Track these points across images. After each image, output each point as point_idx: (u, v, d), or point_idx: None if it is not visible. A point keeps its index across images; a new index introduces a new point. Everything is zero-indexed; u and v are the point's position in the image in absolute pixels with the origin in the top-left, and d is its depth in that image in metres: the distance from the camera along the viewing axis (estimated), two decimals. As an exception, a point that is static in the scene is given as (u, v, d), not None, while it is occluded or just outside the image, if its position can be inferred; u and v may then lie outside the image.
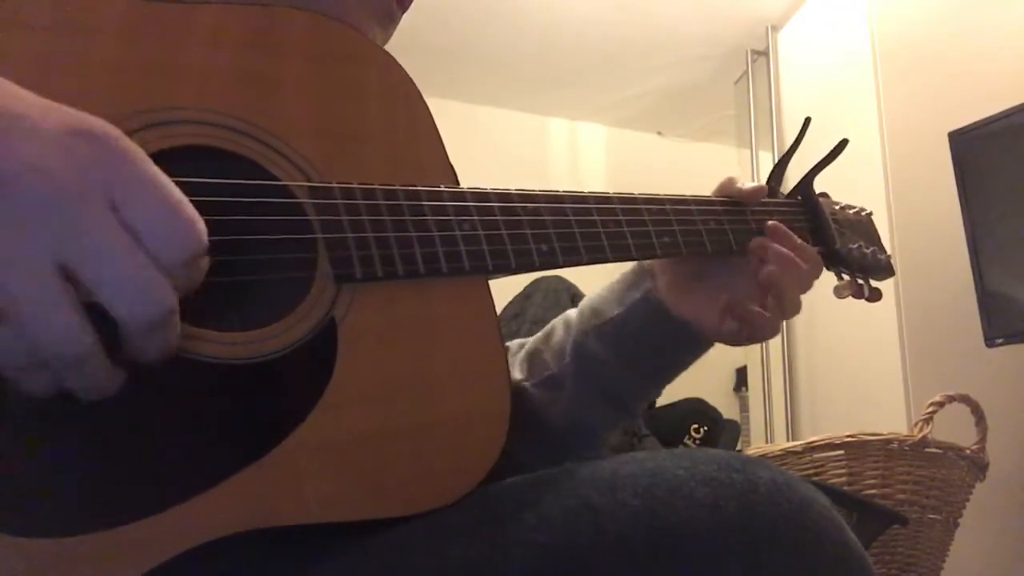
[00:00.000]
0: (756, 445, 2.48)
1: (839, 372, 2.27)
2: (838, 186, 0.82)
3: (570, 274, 1.87)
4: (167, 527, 0.40)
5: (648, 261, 0.70)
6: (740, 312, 0.66)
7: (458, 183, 0.56)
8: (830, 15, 2.46)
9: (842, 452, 1.32)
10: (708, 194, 0.71)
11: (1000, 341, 1.56)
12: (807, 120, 0.75)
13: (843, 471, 1.31)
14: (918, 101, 2.04)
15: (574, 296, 1.84)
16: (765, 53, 2.73)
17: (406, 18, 0.69)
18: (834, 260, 0.76)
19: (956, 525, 1.37)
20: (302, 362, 0.46)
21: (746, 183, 0.71)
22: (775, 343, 2.47)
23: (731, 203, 0.70)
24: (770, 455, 1.37)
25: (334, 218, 0.49)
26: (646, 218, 0.63)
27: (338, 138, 0.52)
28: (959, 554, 1.39)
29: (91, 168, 0.35)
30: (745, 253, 0.68)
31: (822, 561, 0.41)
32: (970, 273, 1.62)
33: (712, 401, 2.06)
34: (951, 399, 1.35)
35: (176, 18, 0.48)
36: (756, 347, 2.53)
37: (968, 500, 1.38)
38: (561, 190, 0.60)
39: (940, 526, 1.34)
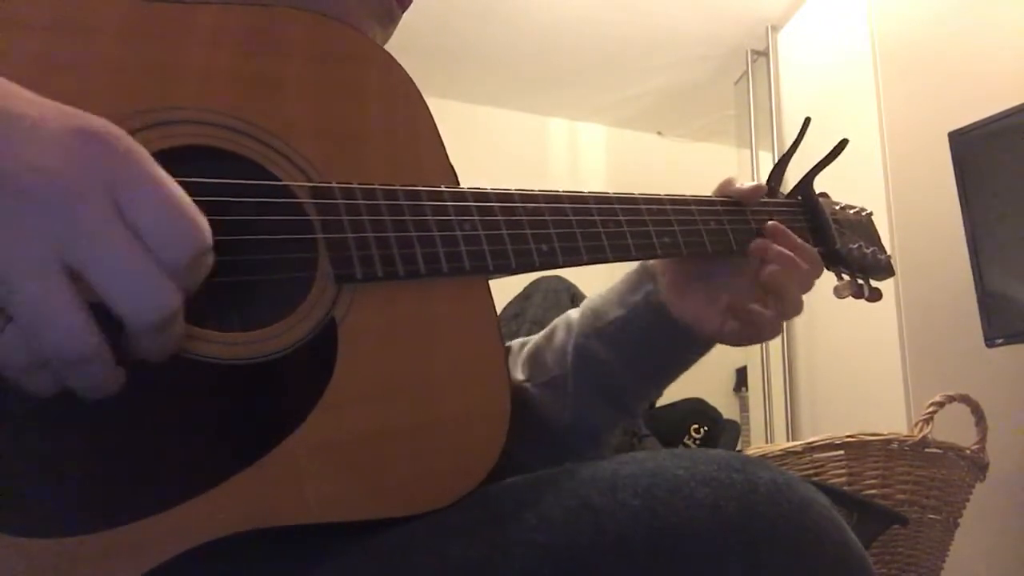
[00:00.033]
0: (756, 445, 2.48)
1: (839, 372, 2.27)
2: (838, 186, 0.82)
3: (570, 274, 1.87)
4: (167, 527, 0.40)
5: (649, 262, 0.70)
6: (742, 313, 0.66)
7: (458, 183, 0.56)
8: (830, 15, 2.46)
9: (842, 452, 1.32)
10: (708, 194, 0.71)
11: (1000, 341, 1.56)
12: (807, 120, 0.75)
13: (843, 471, 1.31)
14: (918, 101, 2.04)
15: (574, 296, 1.84)
16: (765, 53, 2.73)
17: (406, 18, 0.69)
18: (834, 260, 0.76)
19: (956, 525, 1.37)
20: (302, 362, 0.46)
21: (745, 183, 0.71)
22: (775, 343, 2.47)
23: (731, 203, 0.70)
24: (770, 455, 1.37)
25: (334, 218, 0.49)
26: (646, 218, 0.63)
27: (338, 138, 0.52)
28: (959, 554, 1.39)
29: (94, 168, 0.35)
30: (745, 253, 0.68)
31: (822, 561, 0.41)
32: (970, 273, 1.62)
33: (712, 401, 2.06)
34: (951, 399, 1.35)
35: (176, 18, 0.48)
36: (756, 347, 2.53)
37: (968, 500, 1.38)
38: (561, 190, 0.60)
39: (940, 526, 1.34)
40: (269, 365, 0.45)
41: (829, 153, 0.76)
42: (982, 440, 1.37)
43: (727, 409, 2.35)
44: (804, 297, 0.68)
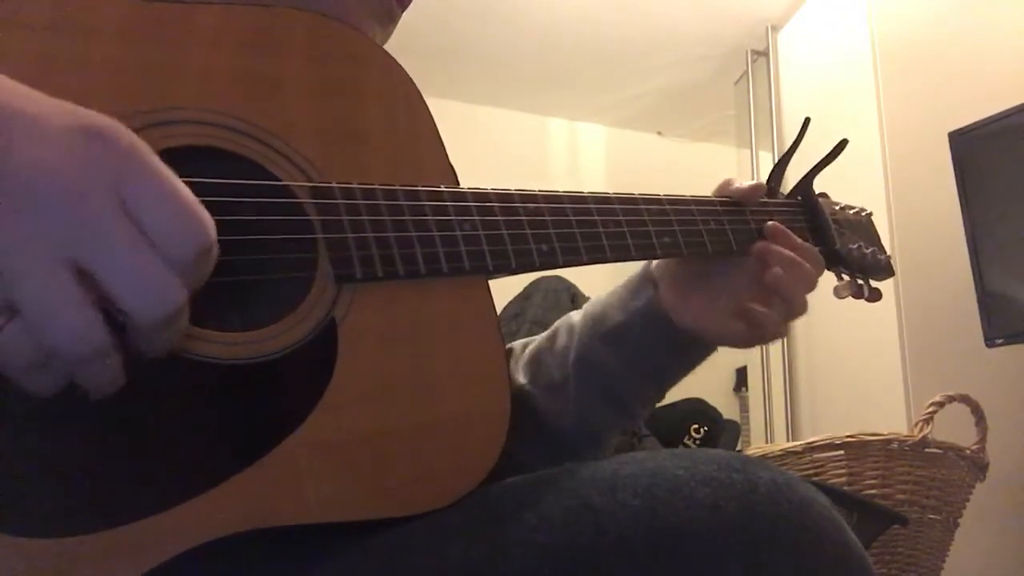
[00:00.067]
0: (756, 445, 2.48)
1: (839, 372, 2.27)
2: (838, 186, 0.82)
3: (570, 274, 1.87)
4: (167, 527, 0.40)
5: (650, 267, 0.70)
6: (751, 317, 0.66)
7: (458, 183, 0.56)
8: (830, 15, 2.46)
9: (842, 452, 1.32)
10: (708, 194, 0.71)
11: (1000, 341, 1.56)
12: (807, 120, 0.75)
13: (843, 471, 1.31)
14: (918, 101, 2.04)
15: (574, 296, 1.84)
16: (765, 53, 2.73)
17: (406, 18, 0.69)
18: (834, 260, 0.76)
19: (956, 525, 1.37)
20: (302, 362, 0.46)
21: (744, 182, 0.71)
22: (775, 343, 2.47)
23: (731, 203, 0.70)
24: (770, 455, 1.37)
25: (334, 218, 0.49)
26: (646, 218, 0.63)
27: (338, 138, 0.52)
28: (959, 554, 1.39)
29: (97, 165, 0.35)
30: (746, 253, 0.68)
31: (822, 561, 0.41)
32: (970, 273, 1.62)
33: (712, 401, 2.06)
34: (951, 399, 1.35)
35: (177, 18, 0.48)
36: (756, 347, 2.53)
37: (968, 500, 1.38)
38: (561, 190, 0.60)
39: (940, 526, 1.34)
40: (269, 365, 0.45)
41: (829, 153, 0.76)
42: (982, 440, 1.37)
43: (727, 409, 2.35)
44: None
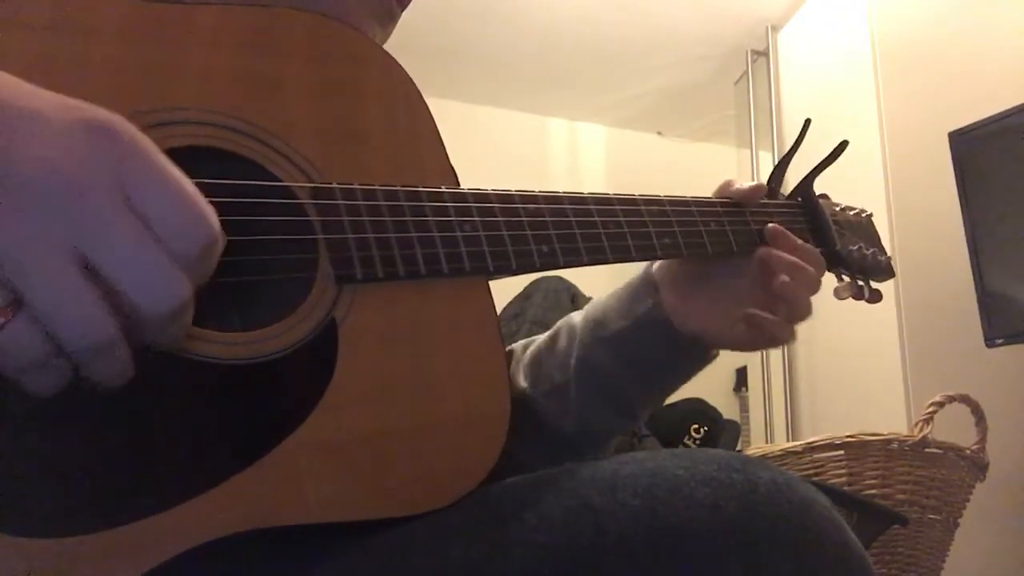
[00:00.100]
0: (756, 445, 2.48)
1: (839, 372, 2.27)
2: (838, 187, 0.82)
3: (570, 274, 1.87)
4: (167, 527, 0.40)
5: (651, 269, 0.70)
6: (759, 323, 0.65)
7: (458, 184, 0.56)
8: (830, 15, 2.46)
9: (842, 452, 1.32)
10: (708, 195, 0.70)
11: (1000, 341, 1.56)
12: (807, 122, 0.75)
13: (843, 471, 1.31)
14: (918, 101, 2.04)
15: (574, 296, 1.84)
16: (765, 53, 2.73)
17: (406, 18, 0.69)
18: (834, 261, 0.76)
19: (956, 525, 1.37)
20: (303, 362, 0.46)
21: (744, 183, 0.71)
22: (775, 344, 2.47)
23: (731, 204, 0.70)
24: (770, 455, 1.37)
25: (335, 219, 0.49)
26: (647, 219, 0.63)
27: (339, 138, 0.52)
28: (959, 554, 1.39)
29: (101, 159, 0.35)
30: (747, 255, 0.68)
31: (822, 561, 0.41)
32: (970, 273, 1.62)
33: (712, 401, 2.06)
34: (951, 399, 1.35)
35: (177, 18, 0.48)
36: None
37: (968, 500, 1.38)
38: (561, 190, 0.60)
39: (940, 526, 1.34)
40: (269, 365, 0.45)
41: (829, 154, 0.76)
42: (982, 440, 1.37)
43: (727, 409, 2.35)
44: (804, 298, 0.68)
